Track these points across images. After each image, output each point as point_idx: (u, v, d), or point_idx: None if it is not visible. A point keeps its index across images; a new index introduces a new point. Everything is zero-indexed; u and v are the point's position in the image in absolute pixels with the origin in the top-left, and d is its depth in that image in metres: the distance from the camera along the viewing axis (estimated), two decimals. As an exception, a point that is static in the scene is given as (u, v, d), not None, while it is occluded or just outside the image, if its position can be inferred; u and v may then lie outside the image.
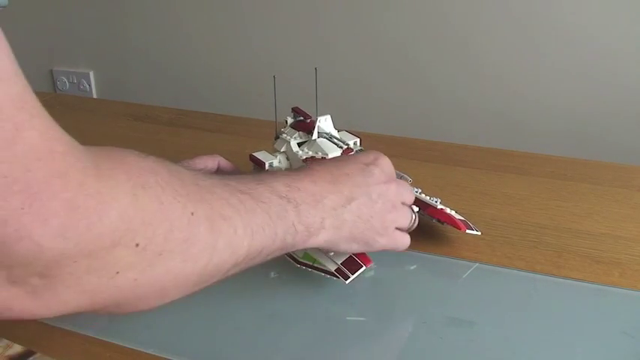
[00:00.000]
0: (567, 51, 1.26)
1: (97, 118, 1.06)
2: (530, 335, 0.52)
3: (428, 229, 0.68)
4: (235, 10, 1.50)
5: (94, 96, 1.72)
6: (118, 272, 0.35)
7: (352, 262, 0.55)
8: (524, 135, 1.34)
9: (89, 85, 1.71)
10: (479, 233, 0.65)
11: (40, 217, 0.30)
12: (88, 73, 1.70)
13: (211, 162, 0.69)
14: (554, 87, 1.30)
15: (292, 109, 0.70)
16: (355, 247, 0.52)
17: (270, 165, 0.65)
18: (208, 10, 1.52)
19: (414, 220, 0.57)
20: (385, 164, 0.54)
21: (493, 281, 0.60)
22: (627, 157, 1.00)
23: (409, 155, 0.88)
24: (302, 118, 0.69)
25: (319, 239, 0.49)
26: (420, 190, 0.67)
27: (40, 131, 0.31)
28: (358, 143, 0.69)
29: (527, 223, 0.70)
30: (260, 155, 0.67)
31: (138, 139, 0.96)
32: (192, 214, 0.39)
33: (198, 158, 0.68)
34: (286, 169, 0.66)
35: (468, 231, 0.64)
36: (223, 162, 0.69)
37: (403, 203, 0.56)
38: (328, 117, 0.67)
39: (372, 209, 0.51)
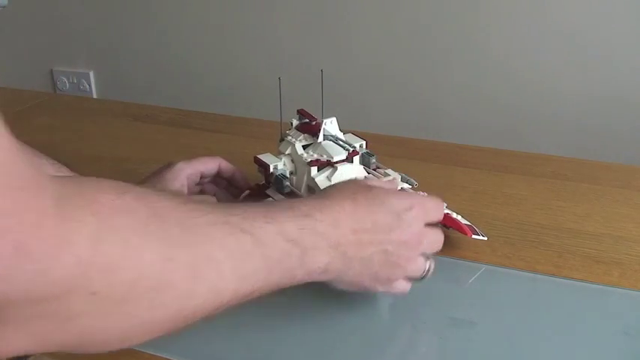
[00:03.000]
0: (568, 51, 1.26)
1: (97, 118, 1.06)
2: (531, 335, 0.52)
3: (428, 229, 0.68)
4: (236, 10, 1.50)
5: (94, 96, 1.72)
6: (70, 319, 0.32)
7: None
8: (525, 135, 1.34)
9: (89, 85, 1.71)
10: (485, 238, 0.64)
11: None
12: (88, 73, 1.70)
13: (212, 163, 0.68)
14: (554, 87, 1.30)
15: (298, 111, 0.69)
16: (348, 289, 0.50)
17: (275, 167, 0.64)
18: (209, 10, 1.52)
19: (428, 270, 0.52)
20: (419, 215, 0.50)
21: (493, 281, 0.60)
22: (627, 157, 1.00)
23: (409, 155, 0.88)
24: (307, 120, 0.67)
25: (318, 279, 0.46)
26: (425, 194, 0.65)
27: None
28: (364, 146, 0.67)
29: (528, 223, 0.70)
30: (265, 158, 0.65)
31: (138, 139, 0.96)
32: (169, 259, 0.36)
33: (197, 160, 0.67)
34: (290, 172, 0.65)
35: (474, 236, 0.62)
36: (224, 164, 0.69)
37: (423, 253, 0.52)
38: (334, 119, 0.66)
39: (383, 262, 0.48)
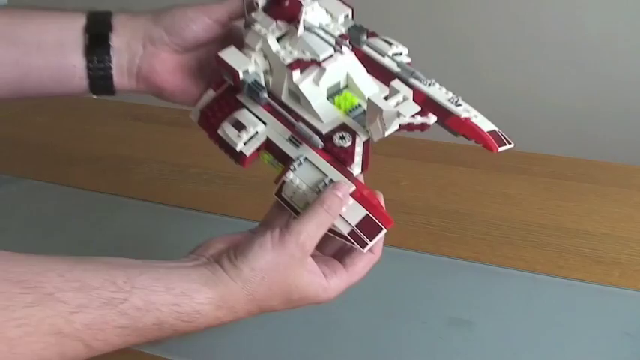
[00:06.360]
0: (567, 51, 1.26)
1: (97, 118, 1.06)
2: (531, 335, 0.52)
3: (428, 229, 0.68)
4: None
5: (94, 96, 1.72)
6: None
7: (369, 224, 0.44)
8: (524, 135, 1.34)
9: (89, 85, 1.71)
10: (512, 146, 0.48)
11: None
12: (88, 73, 1.70)
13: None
14: (554, 87, 1.30)
15: None
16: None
17: (246, 72, 0.49)
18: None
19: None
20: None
21: (493, 281, 0.60)
22: (627, 157, 1.00)
23: (409, 155, 0.88)
24: None
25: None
26: (433, 81, 0.50)
27: None
28: (350, 15, 0.53)
29: (528, 223, 0.70)
30: (230, 57, 0.49)
31: (138, 139, 0.96)
32: None
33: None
34: (265, 70, 0.51)
35: (500, 149, 0.47)
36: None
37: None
38: (316, 3, 0.51)
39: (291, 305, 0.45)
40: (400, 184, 0.78)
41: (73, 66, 0.53)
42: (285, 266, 0.42)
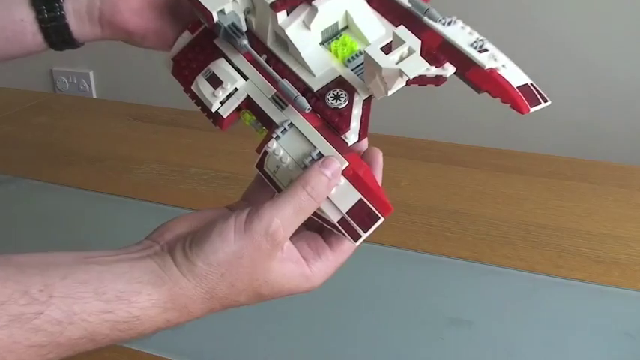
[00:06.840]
0: (567, 51, 1.26)
1: (97, 118, 1.06)
2: (530, 335, 0.52)
3: (428, 229, 0.68)
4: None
5: (94, 96, 1.72)
6: None
7: (364, 212, 0.36)
8: (524, 135, 1.34)
9: (89, 85, 1.71)
10: (548, 103, 0.40)
11: None
12: (88, 73, 1.71)
13: None
14: (553, 87, 1.30)
15: None
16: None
17: (222, 13, 0.41)
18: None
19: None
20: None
21: (493, 281, 0.60)
22: (627, 157, 1.00)
23: (409, 155, 0.88)
24: None
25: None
26: (454, 19, 0.42)
27: None
28: None
29: (527, 223, 0.70)
30: None
31: (138, 139, 0.96)
32: None
33: None
34: (247, 10, 0.42)
35: (533, 109, 0.39)
36: None
37: None
38: None
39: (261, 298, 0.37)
40: (400, 184, 0.78)
41: (21, 20, 0.46)
42: (250, 260, 0.34)
